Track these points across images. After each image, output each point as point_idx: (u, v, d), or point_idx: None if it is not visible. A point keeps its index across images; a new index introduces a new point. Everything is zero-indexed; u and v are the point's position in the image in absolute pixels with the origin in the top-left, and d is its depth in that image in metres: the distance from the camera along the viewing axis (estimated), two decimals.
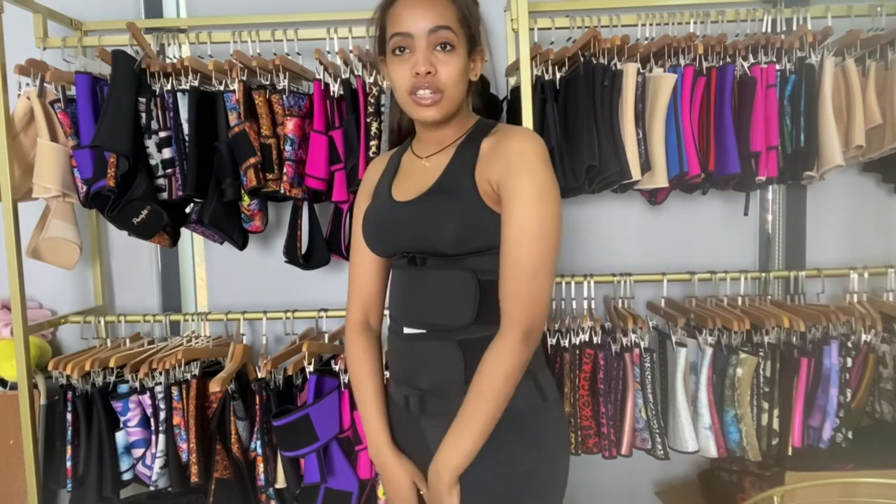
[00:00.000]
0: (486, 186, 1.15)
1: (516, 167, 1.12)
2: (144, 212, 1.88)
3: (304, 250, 2.05)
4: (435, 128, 1.23)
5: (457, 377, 1.17)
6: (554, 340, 1.95)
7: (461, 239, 1.14)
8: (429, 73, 1.13)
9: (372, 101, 1.85)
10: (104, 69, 1.92)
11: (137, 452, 1.94)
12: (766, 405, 1.89)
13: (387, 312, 1.33)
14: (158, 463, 1.88)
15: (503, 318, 1.13)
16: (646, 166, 1.84)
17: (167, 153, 1.89)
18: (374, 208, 1.30)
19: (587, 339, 1.94)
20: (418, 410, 1.23)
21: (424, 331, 1.20)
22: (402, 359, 1.25)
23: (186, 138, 1.88)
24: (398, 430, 1.29)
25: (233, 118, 1.87)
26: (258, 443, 1.87)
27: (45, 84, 1.93)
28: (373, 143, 1.83)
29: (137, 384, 1.92)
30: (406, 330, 1.22)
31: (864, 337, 1.93)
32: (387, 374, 1.35)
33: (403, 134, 1.39)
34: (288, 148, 1.86)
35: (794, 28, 1.97)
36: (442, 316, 1.18)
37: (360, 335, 1.34)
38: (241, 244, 2.03)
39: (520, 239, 1.11)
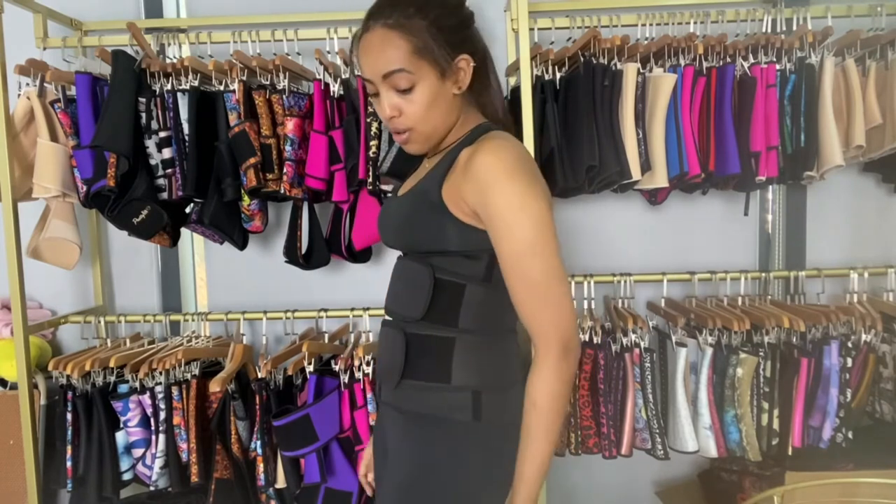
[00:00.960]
0: (457, 200, 1.10)
1: (483, 187, 1.06)
2: (144, 212, 1.88)
3: (304, 250, 2.05)
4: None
5: (396, 368, 1.17)
6: None
7: (414, 240, 1.17)
8: (393, 117, 1.14)
9: (372, 101, 1.84)
10: (104, 69, 1.92)
11: (137, 452, 1.93)
12: (766, 405, 1.88)
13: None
14: (158, 463, 1.88)
15: (534, 340, 1.07)
16: (646, 166, 1.84)
17: (167, 153, 1.89)
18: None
19: (587, 339, 1.94)
20: (380, 395, 1.29)
21: (391, 318, 1.23)
22: (379, 344, 1.29)
23: (186, 138, 1.88)
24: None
25: (233, 118, 1.87)
26: (258, 443, 1.87)
27: (45, 84, 1.93)
28: (373, 143, 1.83)
29: (137, 384, 1.92)
30: (386, 317, 1.26)
31: (864, 337, 1.93)
32: None
33: None
34: (288, 148, 1.86)
35: (794, 28, 1.97)
36: (400, 305, 1.20)
37: None
38: (241, 244, 2.03)
39: (517, 256, 1.05)
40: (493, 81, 1.23)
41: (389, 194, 1.33)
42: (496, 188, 1.05)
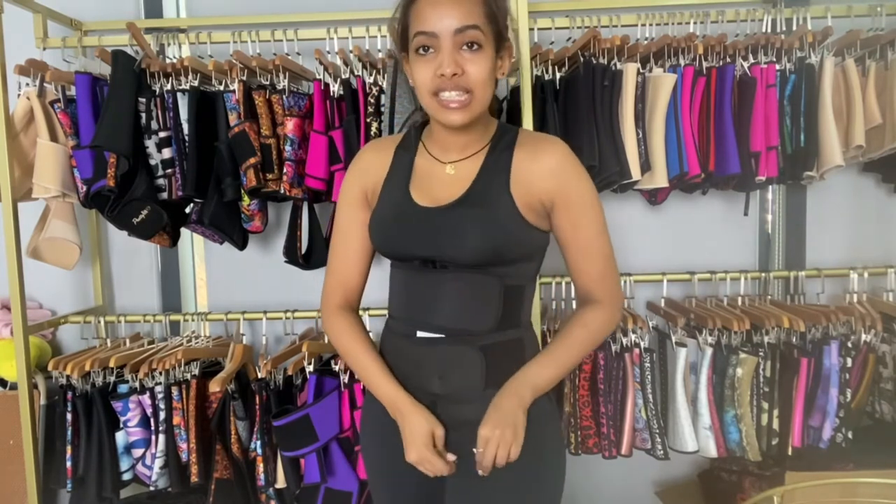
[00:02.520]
0: (530, 200, 1.15)
1: (569, 176, 1.17)
2: (144, 212, 1.88)
3: (304, 250, 2.05)
4: (459, 132, 1.18)
5: (476, 382, 1.16)
6: None
7: (493, 254, 1.13)
8: (455, 74, 1.08)
9: (372, 101, 1.85)
10: (104, 69, 1.92)
11: (137, 452, 1.93)
12: (766, 405, 1.88)
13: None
14: (158, 463, 1.88)
15: (602, 299, 1.21)
16: (646, 166, 1.84)
17: (167, 153, 1.89)
18: (390, 210, 1.22)
19: None
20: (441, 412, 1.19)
21: (442, 335, 1.18)
22: (412, 362, 1.21)
23: (186, 138, 1.88)
24: (398, 434, 1.21)
25: (233, 118, 1.87)
26: (258, 443, 1.87)
27: (45, 84, 1.93)
28: None
29: (137, 384, 1.92)
30: (420, 333, 1.19)
31: (864, 337, 1.93)
32: None
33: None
34: (288, 148, 1.86)
35: (794, 28, 1.97)
36: (463, 321, 1.17)
37: (345, 312, 1.29)
38: (241, 244, 2.03)
39: (598, 236, 1.20)
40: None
41: (422, 206, 1.19)
42: (579, 176, 1.18)
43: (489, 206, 1.14)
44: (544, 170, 1.15)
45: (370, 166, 1.27)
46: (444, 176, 1.20)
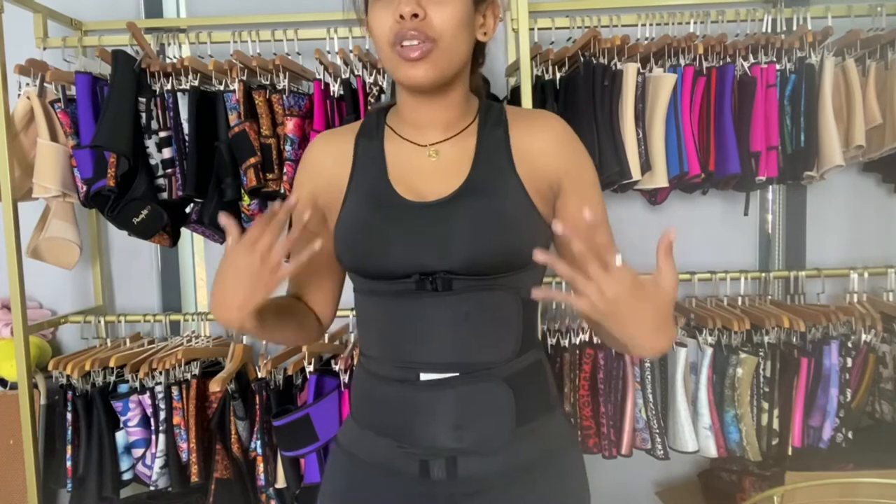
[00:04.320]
0: (537, 183, 0.96)
1: (575, 150, 1.00)
2: (144, 212, 1.88)
3: None
4: (434, 102, 0.98)
5: (507, 423, 0.96)
6: (554, 340, 1.95)
7: (513, 254, 0.93)
8: (415, 15, 0.88)
9: (372, 101, 1.85)
10: (104, 69, 1.92)
11: (137, 452, 1.93)
12: (766, 405, 1.88)
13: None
14: (158, 463, 1.88)
15: None
16: (646, 166, 1.84)
17: (167, 153, 1.89)
18: (368, 211, 0.98)
19: (587, 339, 1.94)
20: (445, 477, 0.96)
21: (456, 374, 0.95)
22: (415, 414, 0.97)
23: (186, 138, 1.88)
24: (367, 493, 1.01)
25: (233, 118, 1.87)
26: (258, 443, 1.87)
27: (45, 84, 1.93)
28: None
29: (137, 384, 1.92)
30: (425, 376, 0.95)
31: (864, 337, 1.93)
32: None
33: None
34: (288, 148, 1.86)
35: (794, 28, 1.97)
36: (480, 352, 0.95)
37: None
38: None
39: (605, 222, 1.01)
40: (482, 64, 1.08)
41: (413, 203, 0.97)
42: (584, 152, 1.01)
43: (497, 195, 0.94)
44: (548, 144, 0.98)
45: (322, 162, 1.05)
46: (425, 163, 0.98)
